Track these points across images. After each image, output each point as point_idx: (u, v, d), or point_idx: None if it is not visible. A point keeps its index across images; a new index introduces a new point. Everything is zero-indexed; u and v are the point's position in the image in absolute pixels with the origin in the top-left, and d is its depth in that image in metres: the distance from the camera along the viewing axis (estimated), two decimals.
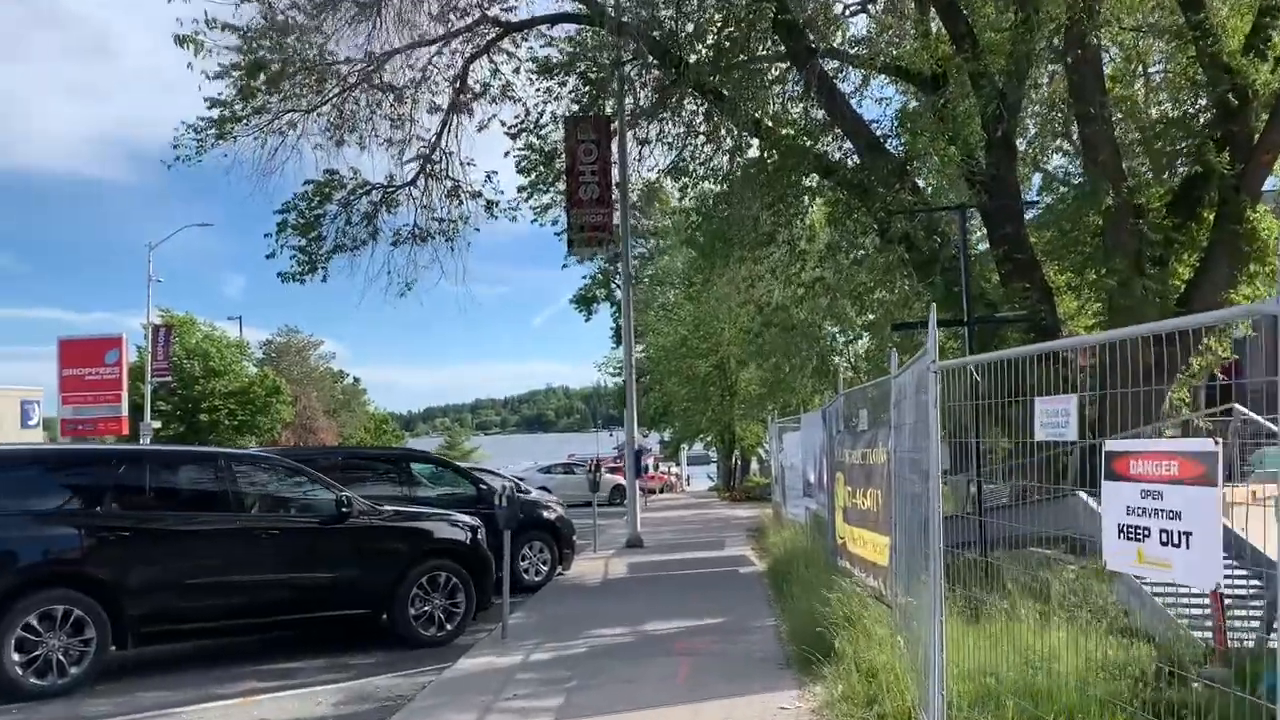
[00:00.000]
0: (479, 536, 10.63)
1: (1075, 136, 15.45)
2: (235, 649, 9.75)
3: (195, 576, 8.82)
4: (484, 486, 13.54)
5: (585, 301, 55.88)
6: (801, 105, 14.84)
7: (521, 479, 35.51)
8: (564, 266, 20.22)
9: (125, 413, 46.25)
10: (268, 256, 16.69)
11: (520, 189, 18.84)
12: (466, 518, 10.85)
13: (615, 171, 18.57)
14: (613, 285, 50.30)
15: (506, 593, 9.91)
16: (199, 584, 8.83)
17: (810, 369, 20.75)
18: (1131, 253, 12.81)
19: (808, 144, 15.13)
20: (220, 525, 9.13)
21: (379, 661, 9.44)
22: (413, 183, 17.18)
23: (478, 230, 17.79)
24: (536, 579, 13.87)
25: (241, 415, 52.69)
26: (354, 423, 70.22)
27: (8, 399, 52.86)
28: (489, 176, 17.61)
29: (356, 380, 74.21)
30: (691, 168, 16.09)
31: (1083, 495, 10.25)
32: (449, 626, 10.15)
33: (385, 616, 9.96)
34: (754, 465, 53.02)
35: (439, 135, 16.74)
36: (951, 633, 7.05)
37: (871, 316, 15.84)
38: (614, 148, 18.66)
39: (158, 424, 45.69)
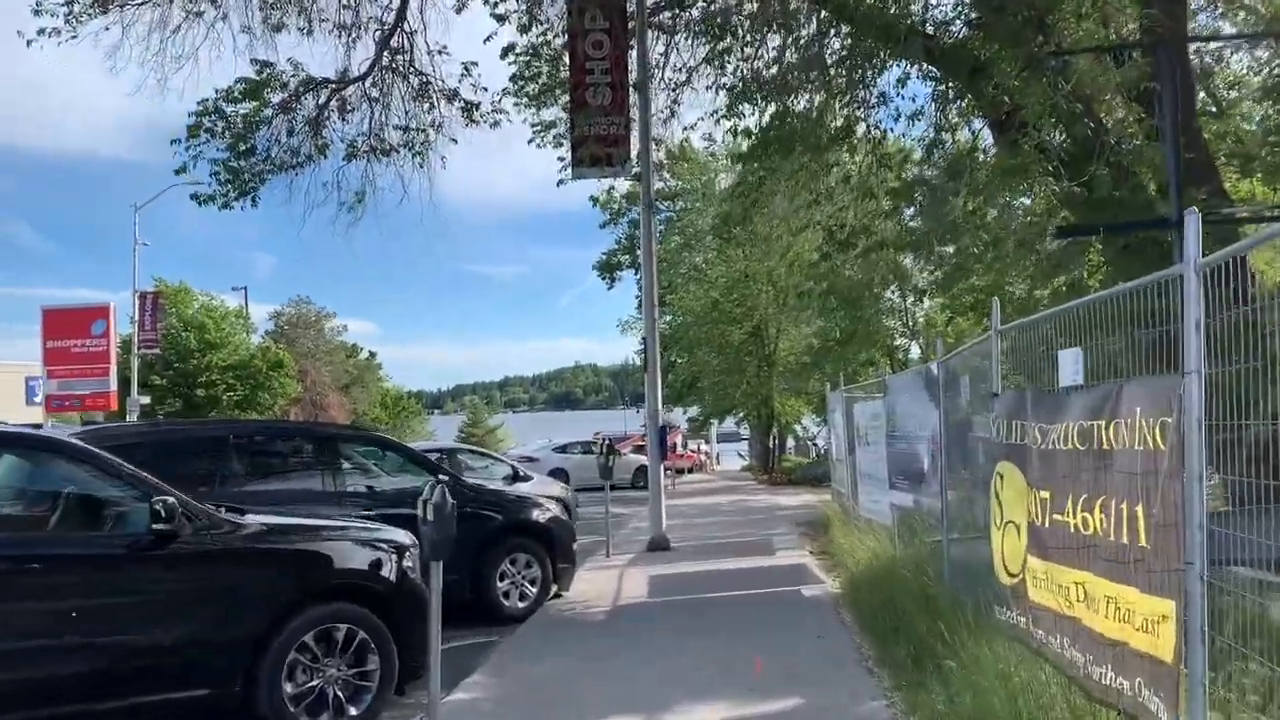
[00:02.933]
0: (408, 563, 6.70)
1: None
2: None
3: None
4: (444, 479, 9.62)
5: (608, 269, 52.17)
6: None
7: (534, 458, 31.52)
8: (559, 183, 15.66)
9: (114, 387, 42.96)
10: (177, 172, 12.80)
11: (509, 88, 14.73)
12: (396, 533, 6.94)
13: (634, 66, 14.47)
14: (638, 250, 46.21)
15: (436, 663, 5.89)
16: None
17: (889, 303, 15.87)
18: None
19: (896, 7, 10.97)
20: None
21: None
22: (368, 76, 13.17)
23: (454, 141, 13.78)
24: (520, 606, 9.94)
25: (241, 390, 49.15)
26: (367, 398, 66.59)
27: (11, 375, 49.85)
28: (467, 69, 13.55)
29: (372, 355, 70.61)
30: (737, 43, 11.93)
31: None
32: (353, 710, 6.23)
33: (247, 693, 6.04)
34: (790, 443, 48.83)
35: (400, 11, 12.69)
36: None
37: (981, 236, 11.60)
38: (632, 41, 14.57)
39: (146, 399, 42.27)
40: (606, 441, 14.04)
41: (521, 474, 17.00)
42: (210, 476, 8.43)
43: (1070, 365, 4.85)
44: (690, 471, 43.25)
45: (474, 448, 18.88)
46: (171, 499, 5.70)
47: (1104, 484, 4.32)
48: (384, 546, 6.69)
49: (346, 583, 6.41)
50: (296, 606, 6.13)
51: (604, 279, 52.15)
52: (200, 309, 50.37)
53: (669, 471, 35.60)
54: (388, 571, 6.54)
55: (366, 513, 8.51)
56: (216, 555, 5.94)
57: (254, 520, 6.34)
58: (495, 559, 9.81)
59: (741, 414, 40.94)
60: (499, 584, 9.82)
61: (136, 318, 42.17)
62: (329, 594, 6.32)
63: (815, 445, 49.14)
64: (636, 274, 45.21)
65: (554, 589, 10.42)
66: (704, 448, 53.41)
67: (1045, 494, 4.94)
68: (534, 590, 10.06)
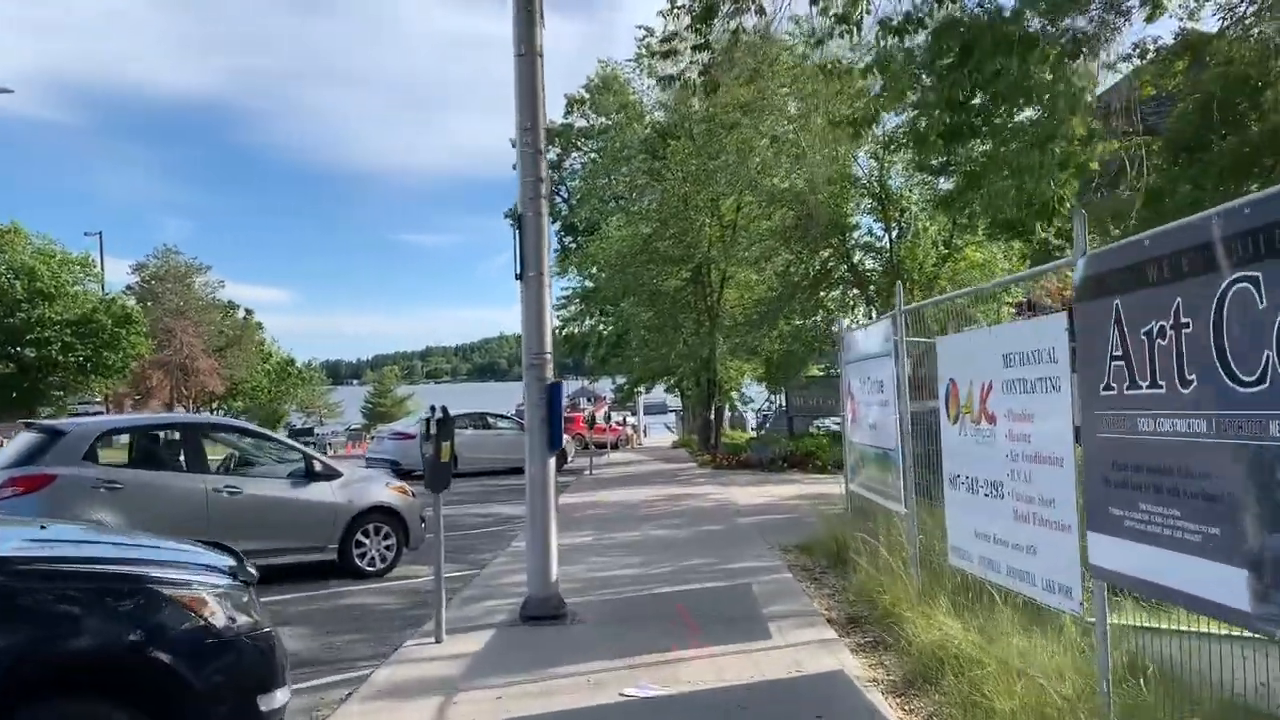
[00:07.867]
0: None
1: None
2: None
3: None
4: None
5: (519, 217, 45.30)
6: None
7: (409, 434, 24.24)
8: None
9: None
10: None
11: None
12: None
13: None
14: (556, 195, 39.28)
15: None
16: None
17: None
18: None
19: None
20: None
21: None
22: None
23: None
24: None
25: (83, 349, 40.90)
26: (246, 363, 58.20)
27: None
28: None
29: (249, 313, 62.27)
30: None
31: None
32: None
33: None
34: (727, 414, 42.29)
35: None
36: None
37: None
38: None
39: None
40: (438, 411, 7.12)
41: (320, 468, 10.04)
42: None
43: None
44: (615, 448, 36.68)
45: (248, 425, 11.72)
46: None
47: None
48: None
49: None
50: None
51: (515, 227, 45.45)
52: (35, 253, 41.95)
53: (592, 449, 29.08)
54: None
55: None
56: None
57: None
58: None
59: (674, 380, 34.12)
60: None
61: None
62: None
63: (759, 416, 42.88)
64: (554, 222, 38.32)
65: None
66: (630, 420, 46.78)
67: None
68: None
